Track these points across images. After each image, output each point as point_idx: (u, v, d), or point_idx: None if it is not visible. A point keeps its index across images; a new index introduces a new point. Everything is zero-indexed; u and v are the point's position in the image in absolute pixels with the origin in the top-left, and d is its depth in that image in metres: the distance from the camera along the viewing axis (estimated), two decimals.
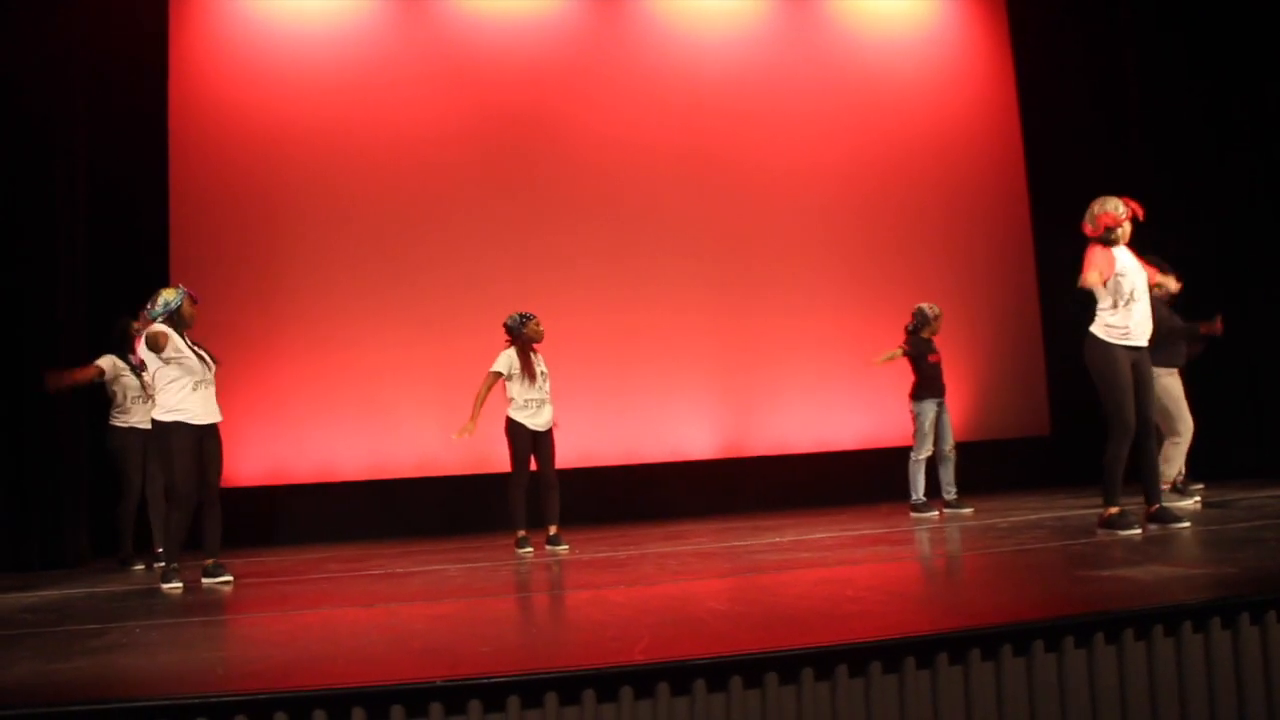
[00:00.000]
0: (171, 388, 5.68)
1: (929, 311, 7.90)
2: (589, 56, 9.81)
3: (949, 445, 7.71)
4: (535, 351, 6.88)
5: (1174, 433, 6.92)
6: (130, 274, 8.15)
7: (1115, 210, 5.43)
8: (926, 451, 7.63)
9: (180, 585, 5.54)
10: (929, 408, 7.64)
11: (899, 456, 8.04)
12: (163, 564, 5.88)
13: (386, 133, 9.26)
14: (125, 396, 7.09)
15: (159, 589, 5.50)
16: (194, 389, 5.70)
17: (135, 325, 6.91)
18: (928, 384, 7.70)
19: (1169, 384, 6.90)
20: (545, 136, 9.58)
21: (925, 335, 7.83)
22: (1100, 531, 5.36)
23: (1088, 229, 5.49)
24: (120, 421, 7.08)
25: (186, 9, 9.00)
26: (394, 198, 9.22)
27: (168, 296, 5.83)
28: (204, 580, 5.72)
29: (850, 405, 9.83)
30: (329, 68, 9.25)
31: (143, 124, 8.67)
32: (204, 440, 5.74)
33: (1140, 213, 5.48)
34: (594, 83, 9.75)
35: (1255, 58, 9.31)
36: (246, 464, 8.51)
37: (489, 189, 9.40)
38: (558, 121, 9.61)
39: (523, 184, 9.45)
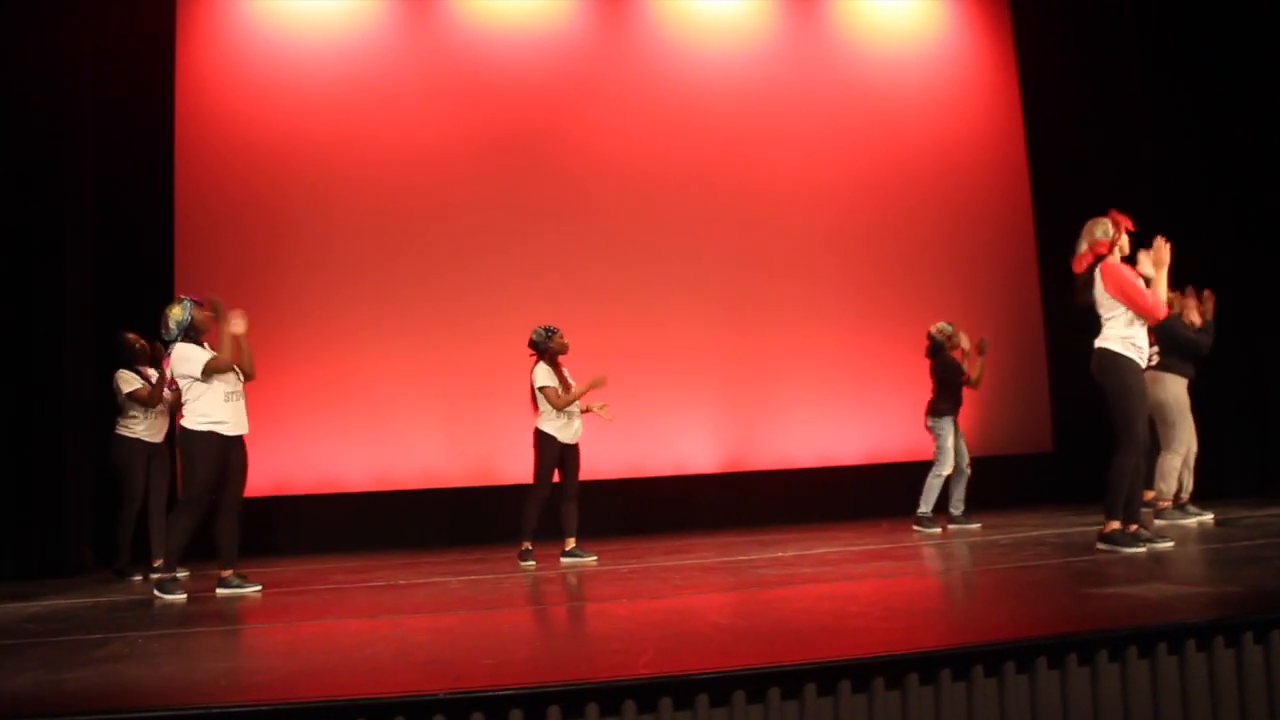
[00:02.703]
0: (205, 398, 5.67)
1: (949, 330, 7.87)
2: (593, 72, 9.84)
3: (966, 460, 7.71)
4: (562, 365, 6.88)
5: (1170, 445, 6.85)
6: (136, 285, 8.21)
7: (1106, 235, 5.43)
8: (949, 468, 7.60)
9: (184, 595, 5.53)
10: (949, 425, 7.63)
11: (902, 472, 8.04)
12: (159, 574, 5.87)
13: (391, 145, 9.30)
14: (137, 408, 7.08)
15: (160, 599, 5.49)
16: (226, 399, 5.70)
17: (139, 343, 6.98)
18: (952, 401, 7.69)
19: (1178, 394, 6.85)
20: (550, 151, 9.61)
21: (950, 353, 7.80)
22: (1100, 547, 5.33)
23: (1088, 259, 5.46)
24: (127, 431, 7.07)
25: (192, 22, 9.04)
26: (398, 210, 9.25)
27: (177, 315, 5.82)
28: (220, 591, 5.70)
29: (854, 420, 9.84)
30: (334, 80, 9.29)
31: (148, 136, 8.71)
32: (231, 451, 5.74)
33: (1131, 225, 5.48)
34: (598, 98, 9.79)
35: (1261, 64, 9.32)
36: (250, 474, 8.45)
37: (492, 203, 9.43)
38: (562, 136, 9.64)
39: (527, 198, 9.48)
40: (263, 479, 8.56)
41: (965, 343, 7.90)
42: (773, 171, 10.04)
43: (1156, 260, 5.40)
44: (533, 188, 9.52)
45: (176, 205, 8.79)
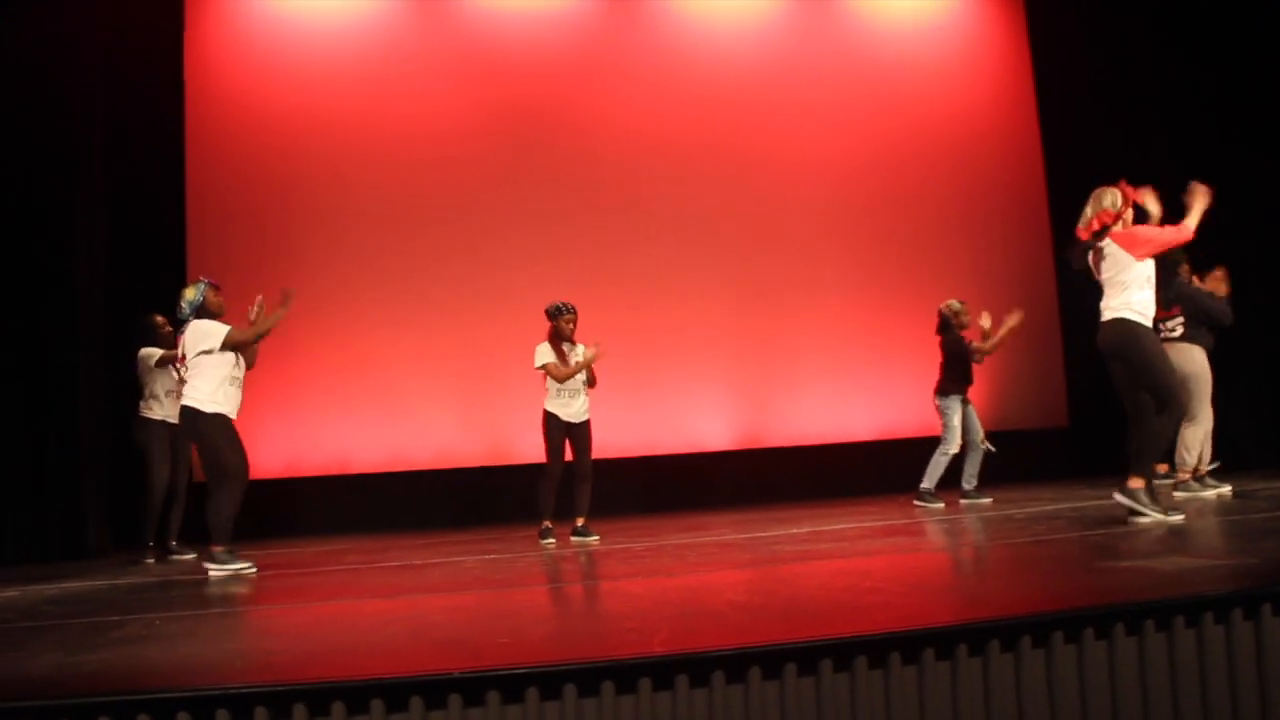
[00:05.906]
0: (213, 378, 5.69)
1: (957, 307, 7.79)
2: (604, 49, 9.79)
3: (980, 436, 7.63)
4: (572, 342, 6.85)
5: (1193, 415, 6.81)
6: (148, 266, 8.23)
7: (1114, 204, 5.39)
8: (955, 447, 7.54)
9: (251, 565, 5.65)
10: (956, 404, 7.57)
11: (917, 447, 8.01)
12: (178, 555, 5.90)
13: (402, 125, 9.28)
14: (160, 389, 7.05)
15: (208, 576, 5.55)
16: (231, 383, 5.75)
17: (165, 327, 6.95)
18: (959, 379, 7.62)
19: (1204, 364, 6.80)
20: (561, 129, 9.57)
21: (958, 330, 7.74)
22: (1119, 499, 5.33)
23: (1094, 227, 5.42)
24: (150, 413, 7.05)
25: (202, 3, 9.02)
26: (410, 190, 9.24)
27: (190, 295, 5.85)
28: (209, 565, 5.71)
29: (868, 396, 9.82)
30: (345, 61, 9.27)
31: (160, 118, 8.72)
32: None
33: (1138, 198, 5.44)
34: (609, 75, 9.74)
35: (1271, 46, 9.22)
36: (264, 456, 8.54)
37: (504, 182, 9.41)
38: (573, 114, 9.60)
39: (538, 177, 9.45)
40: (276, 460, 8.62)
41: (986, 321, 7.83)
42: (786, 149, 9.99)
43: (1194, 206, 5.50)
44: (547, 167, 9.49)
45: (188, 186, 8.81)
